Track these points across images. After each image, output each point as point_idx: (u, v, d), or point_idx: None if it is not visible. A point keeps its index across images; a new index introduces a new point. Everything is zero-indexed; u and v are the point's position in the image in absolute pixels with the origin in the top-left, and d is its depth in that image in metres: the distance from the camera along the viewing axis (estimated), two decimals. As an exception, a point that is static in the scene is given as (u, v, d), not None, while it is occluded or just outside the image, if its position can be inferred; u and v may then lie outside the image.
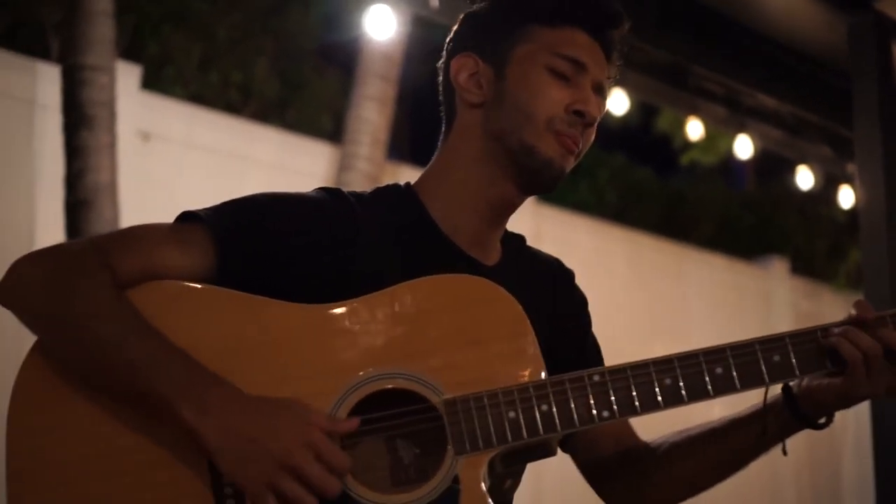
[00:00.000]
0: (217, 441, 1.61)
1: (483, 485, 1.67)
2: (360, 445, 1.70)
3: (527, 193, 1.92)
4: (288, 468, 1.60)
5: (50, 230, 5.58)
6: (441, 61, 1.98)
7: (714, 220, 11.74)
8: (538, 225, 8.29)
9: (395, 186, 1.97)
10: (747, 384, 1.75)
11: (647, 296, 9.76)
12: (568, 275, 2.07)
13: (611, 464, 2.01)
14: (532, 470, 1.88)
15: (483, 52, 1.91)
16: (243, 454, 1.61)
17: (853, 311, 1.78)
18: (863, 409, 6.56)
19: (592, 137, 1.91)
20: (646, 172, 11.78)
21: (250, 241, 1.79)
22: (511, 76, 1.87)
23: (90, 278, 1.71)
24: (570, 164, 1.89)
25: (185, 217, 1.82)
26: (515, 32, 1.89)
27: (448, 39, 1.99)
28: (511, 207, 1.94)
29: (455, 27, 1.99)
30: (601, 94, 1.90)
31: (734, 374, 1.74)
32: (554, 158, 1.85)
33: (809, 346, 1.77)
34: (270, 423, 1.62)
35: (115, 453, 1.69)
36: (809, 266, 11.73)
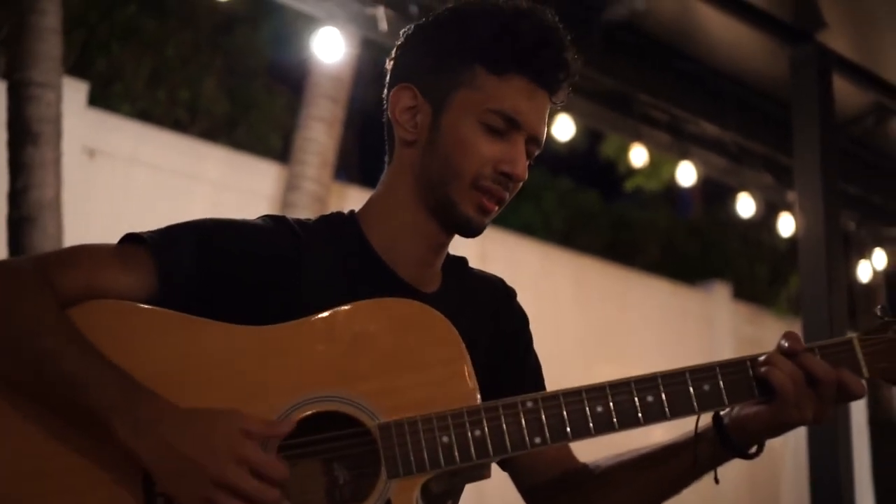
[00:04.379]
0: (152, 460, 1.62)
1: (416, 508, 1.69)
2: (295, 468, 1.70)
3: (450, 237, 1.95)
4: (224, 486, 1.60)
5: (-8, 246, 5.52)
6: (385, 83, 1.96)
7: (658, 245, 11.87)
8: (484, 246, 8.32)
9: (339, 215, 1.98)
10: (677, 412, 1.77)
11: (591, 318, 9.82)
12: (509, 293, 2.09)
13: (549, 486, 2.03)
14: (474, 489, 1.89)
15: (424, 87, 1.90)
16: (179, 473, 1.61)
17: (784, 343, 1.79)
18: (800, 435, 6.67)
19: (518, 188, 1.92)
20: (592, 196, 11.88)
21: (193, 266, 1.79)
22: (446, 125, 1.87)
23: (31, 294, 1.71)
24: (490, 219, 1.92)
25: (129, 238, 1.82)
26: (459, 73, 1.88)
27: (391, 60, 1.97)
28: (443, 244, 1.96)
29: (399, 48, 1.97)
30: (536, 143, 1.91)
31: (664, 402, 1.76)
32: (472, 218, 1.89)
33: (739, 375, 1.79)
34: (204, 439, 1.62)
35: (47, 465, 1.68)
36: (751, 291, 11.88)
